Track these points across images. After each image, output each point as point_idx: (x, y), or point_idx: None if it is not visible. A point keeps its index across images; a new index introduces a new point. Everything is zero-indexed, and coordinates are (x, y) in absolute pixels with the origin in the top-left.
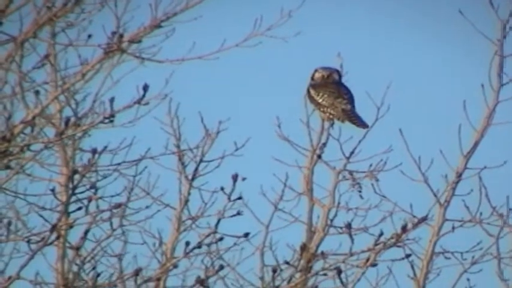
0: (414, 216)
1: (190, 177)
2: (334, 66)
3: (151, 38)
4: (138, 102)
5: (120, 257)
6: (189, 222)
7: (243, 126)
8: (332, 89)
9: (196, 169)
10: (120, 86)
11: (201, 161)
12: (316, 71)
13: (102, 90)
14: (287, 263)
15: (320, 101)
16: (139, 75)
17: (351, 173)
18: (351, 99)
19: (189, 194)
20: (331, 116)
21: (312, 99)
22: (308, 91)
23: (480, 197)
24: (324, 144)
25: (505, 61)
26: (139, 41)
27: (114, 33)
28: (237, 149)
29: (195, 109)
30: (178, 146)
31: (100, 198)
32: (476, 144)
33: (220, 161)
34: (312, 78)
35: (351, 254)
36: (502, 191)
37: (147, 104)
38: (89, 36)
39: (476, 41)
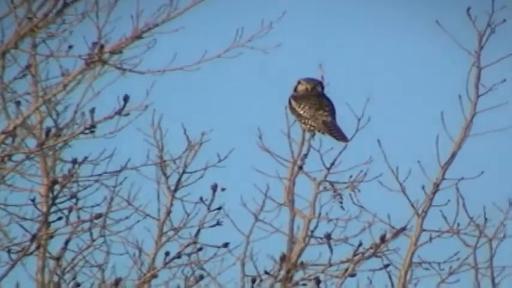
0: (393, 227)
1: (172, 188)
2: (316, 77)
3: (132, 49)
4: (119, 112)
5: (101, 267)
6: (171, 233)
7: (225, 137)
8: (313, 101)
9: (179, 180)
10: (102, 97)
11: (183, 172)
12: (299, 82)
13: (84, 101)
14: (267, 273)
15: (301, 112)
16: (120, 86)
17: (332, 183)
18: (332, 111)
19: (171, 205)
20: (312, 128)
21: (293, 111)
22: (289, 102)
23: (457, 207)
24: (305, 156)
25: (482, 72)
26: (120, 52)
27: (95, 43)
28: (220, 161)
29: (177, 120)
30: (161, 157)
31: (81, 208)
32: (453, 155)
33: (203, 172)
34: (295, 90)
35: (330, 265)
36: (479, 201)
37: (127, 114)
38: (70, 46)
39: (454, 52)
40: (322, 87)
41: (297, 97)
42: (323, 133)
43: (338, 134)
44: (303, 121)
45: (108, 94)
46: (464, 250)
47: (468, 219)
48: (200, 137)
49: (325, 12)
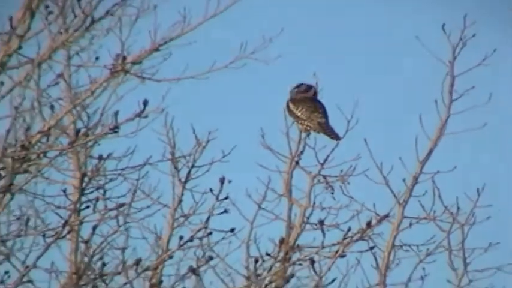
0: (377, 214)
1: (183, 180)
2: (307, 83)
3: (151, 60)
4: (139, 115)
5: (123, 250)
6: (182, 219)
7: (230, 136)
8: (309, 104)
9: (188, 173)
10: (124, 102)
11: (192, 166)
12: (297, 86)
13: (109, 105)
14: (268, 254)
15: (299, 114)
16: (140, 92)
17: (324, 177)
18: (325, 114)
19: (182, 195)
20: (308, 128)
21: (291, 113)
22: (288, 105)
23: (434, 197)
24: (302, 152)
25: (456, 80)
26: (140, 62)
27: (118, 55)
28: (224, 156)
29: (188, 121)
30: (173, 154)
31: (107, 199)
32: (430, 151)
33: (209, 167)
34: (292, 93)
35: (323, 247)
36: (453, 192)
37: (146, 116)
38: (97, 58)
39: (431, 62)
40: (315, 92)
41: (294, 100)
42: (318, 132)
43: (331, 133)
44: (300, 122)
45: (130, 99)
46: (439, 234)
47: (443, 208)
48: (207, 136)
49: (317, 28)
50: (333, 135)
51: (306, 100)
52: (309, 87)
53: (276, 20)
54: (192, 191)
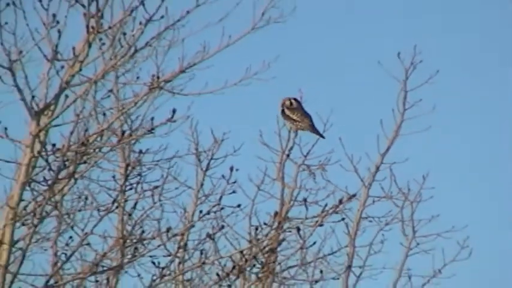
0: (348, 194)
1: (204, 169)
2: (297, 97)
3: (179, 79)
4: (169, 120)
5: (158, 221)
6: (203, 198)
7: (238, 136)
8: (301, 111)
9: (208, 164)
10: (159, 111)
11: (211, 159)
12: (288, 99)
13: (148, 113)
14: (265, 224)
15: (295, 118)
16: (171, 103)
17: (308, 166)
18: (311, 118)
19: (203, 180)
20: (301, 127)
21: (287, 117)
22: (283, 112)
23: (391, 181)
24: (291, 148)
25: (408, 94)
26: (170, 81)
27: (153, 75)
28: (234, 151)
29: (208, 125)
30: (196, 149)
31: (145, 182)
32: (388, 147)
33: (224, 159)
34: (283, 104)
35: (306, 218)
36: (405, 177)
37: (175, 121)
38: (138, 77)
39: (389, 81)
40: (299, 102)
41: (289, 108)
42: (308, 131)
43: (318, 133)
44: (295, 124)
45: (164, 109)
46: (395, 209)
47: (398, 189)
48: (222, 136)
49: (303, 54)
50: (319, 134)
51: (299, 109)
52: (298, 100)
53: (273, 47)
54: (210, 177)
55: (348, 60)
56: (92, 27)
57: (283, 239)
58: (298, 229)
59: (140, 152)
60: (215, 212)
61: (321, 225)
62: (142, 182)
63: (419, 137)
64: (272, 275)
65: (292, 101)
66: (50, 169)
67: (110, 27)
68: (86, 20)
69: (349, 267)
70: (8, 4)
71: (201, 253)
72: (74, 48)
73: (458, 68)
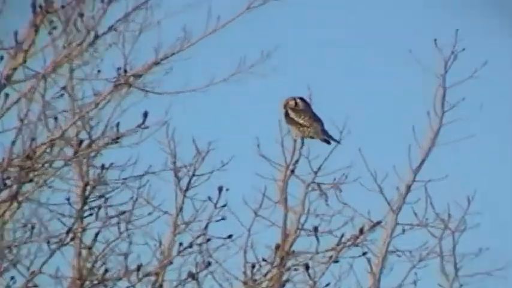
0: (371, 221)
1: (184, 188)
2: (303, 96)
3: (153, 74)
4: (139, 126)
5: (125, 256)
6: (183, 226)
7: (229, 146)
8: (310, 114)
9: (189, 182)
10: (129, 114)
11: (193, 175)
12: (293, 99)
13: (113, 118)
14: (264, 260)
15: (302, 122)
16: (144, 105)
17: (318, 185)
18: (322, 123)
19: (183, 202)
20: (310, 134)
21: (292, 121)
22: (287, 114)
23: (426, 204)
24: (297, 161)
25: (447, 92)
26: (141, 76)
27: (119, 69)
28: (222, 166)
29: (189, 132)
30: (174, 163)
31: (109, 206)
32: (423, 161)
33: (209, 176)
34: (287, 105)
35: (317, 253)
36: (444, 199)
37: (147, 128)
38: (98, 71)
39: (424, 75)
40: (307, 103)
41: (295, 110)
42: (320, 138)
43: (332, 139)
44: (301, 129)
45: (134, 112)
46: (431, 240)
47: (435, 215)
48: (207, 146)
49: (313, 43)
50: (334, 140)
51: (306, 110)
52: (306, 100)
53: (273, 35)
54: (192, 199)
55: (368, 49)
56: (40, 7)
57: (287, 280)
58: (307, 266)
59: (103, 167)
60: (199, 245)
61: (336, 261)
62: (106, 206)
63: (462, 146)
64: None
65: (298, 101)
66: None
67: (63, 6)
68: None
69: None
70: None
71: None
72: (16, 34)
73: (506, 60)
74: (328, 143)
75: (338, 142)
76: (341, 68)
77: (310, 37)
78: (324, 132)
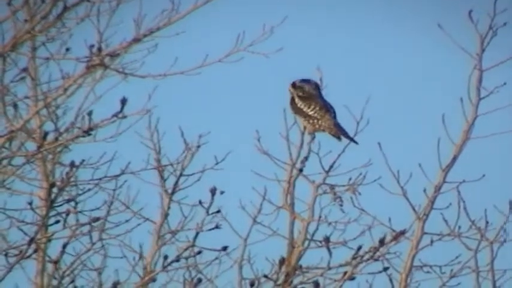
0: (393, 230)
1: (170, 191)
2: (313, 79)
3: (134, 54)
4: (116, 115)
5: (99, 271)
6: (168, 236)
7: (223, 140)
8: (320, 102)
9: (176, 183)
10: (104, 101)
11: (181, 174)
12: (300, 83)
13: (85, 105)
14: (266, 276)
15: (311, 113)
16: (123, 90)
17: (332, 187)
18: (335, 113)
19: (168, 208)
20: (321, 128)
21: (299, 111)
22: (294, 103)
23: (459, 210)
24: (306, 158)
25: (484, 75)
26: (118, 55)
27: (91, 46)
28: (217, 163)
29: (177, 123)
30: (158, 160)
31: (79, 212)
32: (454, 158)
33: (200, 175)
34: (294, 88)
35: (329, 268)
36: (481, 204)
37: (125, 117)
38: (67, 49)
39: (455, 54)
40: (318, 87)
41: (302, 97)
42: (334, 134)
43: (347, 135)
44: (311, 121)
45: (111, 98)
46: (465, 253)
47: (469, 223)
48: (198, 140)
49: (325, 16)
50: (349, 138)
51: (316, 98)
52: (317, 85)
53: (278, 7)
54: (179, 204)
55: (388, 24)
56: None
57: None
58: (317, 284)
59: (72, 165)
60: (187, 258)
61: (352, 278)
62: (76, 212)
63: (501, 140)
64: None
65: (307, 86)
66: None
67: None
68: None
69: None
70: None
71: None
72: None
73: None
74: (339, 139)
75: (354, 141)
76: (357, 47)
77: (322, 9)
78: (338, 127)
